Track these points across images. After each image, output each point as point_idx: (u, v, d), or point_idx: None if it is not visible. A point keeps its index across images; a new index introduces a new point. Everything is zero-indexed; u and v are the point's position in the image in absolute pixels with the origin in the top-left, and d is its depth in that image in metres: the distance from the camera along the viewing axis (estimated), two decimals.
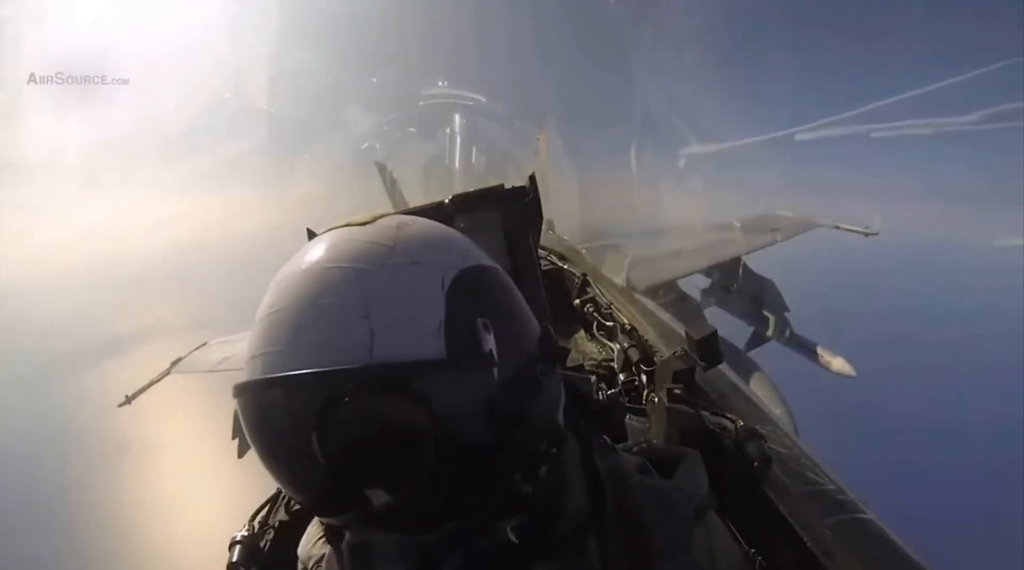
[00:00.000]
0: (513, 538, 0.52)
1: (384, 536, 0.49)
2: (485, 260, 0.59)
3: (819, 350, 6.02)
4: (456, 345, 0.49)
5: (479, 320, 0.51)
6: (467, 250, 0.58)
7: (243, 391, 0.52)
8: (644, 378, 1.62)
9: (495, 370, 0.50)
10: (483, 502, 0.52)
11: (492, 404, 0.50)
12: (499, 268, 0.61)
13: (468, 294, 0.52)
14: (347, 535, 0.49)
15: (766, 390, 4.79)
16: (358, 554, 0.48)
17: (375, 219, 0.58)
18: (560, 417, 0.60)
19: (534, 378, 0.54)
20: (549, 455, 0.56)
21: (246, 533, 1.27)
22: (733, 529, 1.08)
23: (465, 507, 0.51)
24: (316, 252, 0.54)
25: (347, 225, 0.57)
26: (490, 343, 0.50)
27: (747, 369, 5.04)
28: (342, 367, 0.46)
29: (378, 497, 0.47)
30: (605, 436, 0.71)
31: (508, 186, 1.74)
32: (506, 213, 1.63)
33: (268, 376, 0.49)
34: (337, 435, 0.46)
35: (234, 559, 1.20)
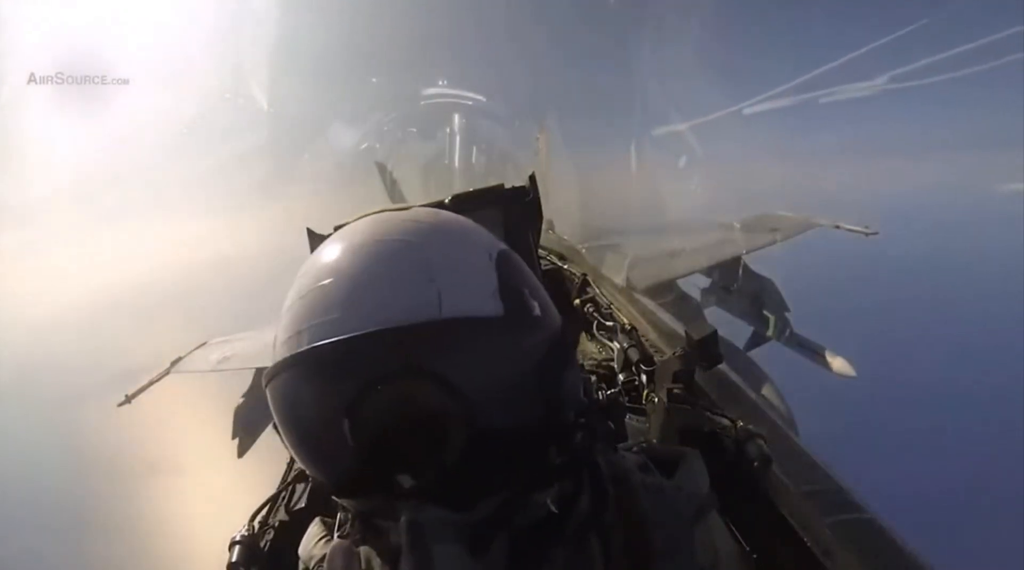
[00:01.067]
0: (553, 508, 0.53)
1: (435, 513, 0.49)
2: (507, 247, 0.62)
3: (819, 350, 6.02)
4: (512, 308, 0.52)
5: (525, 289, 0.55)
6: (494, 237, 0.61)
7: (288, 365, 0.50)
8: (644, 378, 1.62)
9: (541, 332, 0.54)
10: (524, 474, 0.53)
11: (537, 365, 0.52)
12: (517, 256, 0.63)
13: (512, 268, 0.56)
14: (403, 515, 0.48)
15: (766, 390, 4.79)
16: (417, 532, 0.48)
17: (408, 207, 0.60)
18: (581, 392, 0.63)
19: (567, 348, 0.58)
20: (579, 425, 0.57)
21: (246, 533, 1.27)
22: (733, 529, 1.08)
23: (506, 481, 0.52)
24: (359, 231, 0.55)
25: (383, 211, 0.59)
26: (537, 309, 0.55)
27: (747, 369, 5.04)
28: (412, 322, 0.47)
29: (410, 479, 0.48)
30: (608, 433, 0.71)
31: (508, 186, 1.74)
32: (506, 213, 1.64)
33: (330, 340, 0.47)
34: (385, 413, 0.47)
35: (234, 559, 1.20)
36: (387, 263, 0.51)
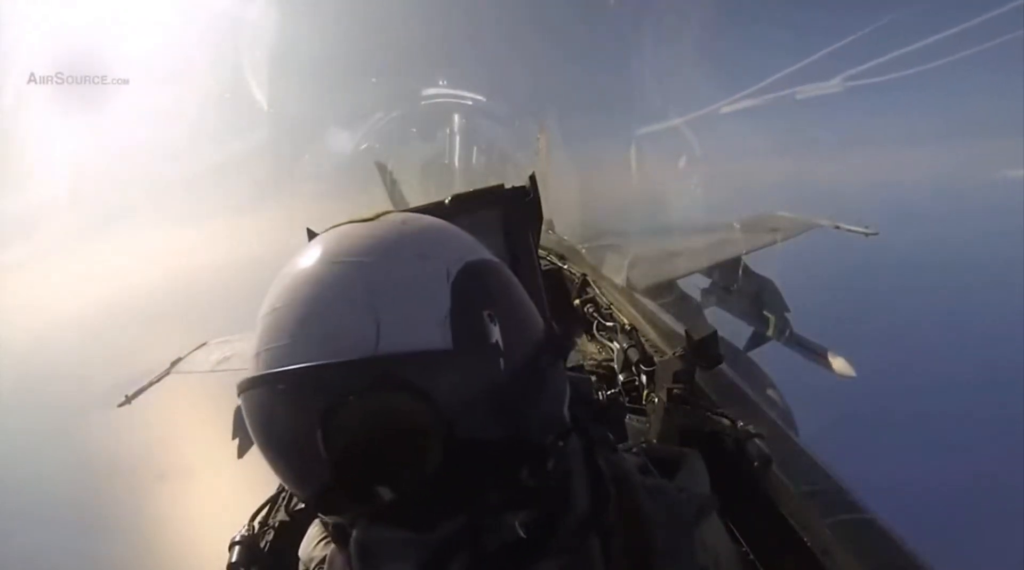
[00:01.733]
0: (521, 533, 0.51)
1: (391, 533, 0.49)
2: (488, 255, 0.59)
3: (819, 350, 6.02)
4: (462, 336, 0.48)
5: (485, 312, 0.51)
6: (471, 245, 0.58)
7: (247, 387, 0.51)
8: (644, 378, 1.62)
9: (501, 360, 0.50)
10: (490, 497, 0.51)
11: (499, 396, 0.50)
12: (502, 263, 0.61)
13: (473, 287, 0.52)
14: (354, 532, 0.48)
15: (766, 390, 4.79)
16: (366, 552, 0.48)
17: (379, 216, 0.58)
18: (565, 411, 0.60)
19: (539, 370, 0.54)
20: (555, 449, 0.56)
21: (246, 533, 1.27)
22: (733, 529, 1.08)
23: (472, 502, 0.51)
24: (319, 249, 0.54)
25: (351, 222, 0.57)
26: (496, 334, 0.50)
27: (747, 369, 5.04)
28: (346, 359, 0.46)
29: (383, 494, 0.47)
30: (608, 435, 0.71)
31: (508, 186, 1.74)
32: (506, 213, 1.63)
33: (272, 371, 0.48)
34: (341, 433, 0.46)
35: (234, 559, 1.20)
36: (334, 289, 0.50)
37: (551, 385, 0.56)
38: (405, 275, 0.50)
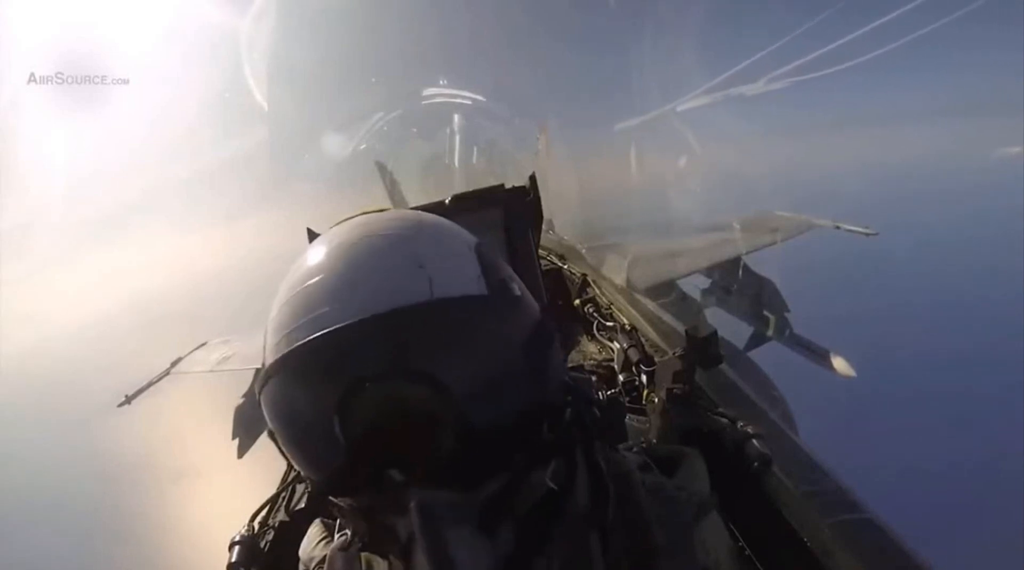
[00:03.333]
0: (552, 485, 0.54)
1: (444, 496, 0.49)
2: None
3: (819, 350, 6.01)
4: (495, 288, 0.55)
5: (505, 274, 0.58)
6: (470, 233, 0.64)
7: (279, 369, 0.51)
8: (644, 378, 1.62)
9: (526, 310, 0.57)
10: (519, 456, 0.54)
11: (523, 341, 0.55)
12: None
13: (490, 257, 0.59)
14: (413, 499, 0.48)
15: (766, 390, 4.78)
16: (428, 515, 0.48)
17: (386, 210, 0.62)
18: (565, 373, 0.65)
19: (549, 330, 0.60)
20: (567, 402, 0.60)
21: (246, 533, 1.27)
22: (733, 529, 1.08)
23: (506, 462, 0.53)
24: (345, 230, 0.57)
25: (364, 213, 0.61)
26: (518, 290, 0.58)
27: (747, 369, 5.03)
28: (414, 302, 0.49)
29: (395, 477, 0.49)
30: (608, 428, 0.72)
31: (508, 186, 1.74)
32: (507, 213, 1.63)
33: (326, 330, 0.48)
34: (359, 418, 0.47)
35: (234, 559, 1.20)
36: (377, 255, 0.53)
37: (557, 348, 0.61)
38: (440, 243, 0.57)
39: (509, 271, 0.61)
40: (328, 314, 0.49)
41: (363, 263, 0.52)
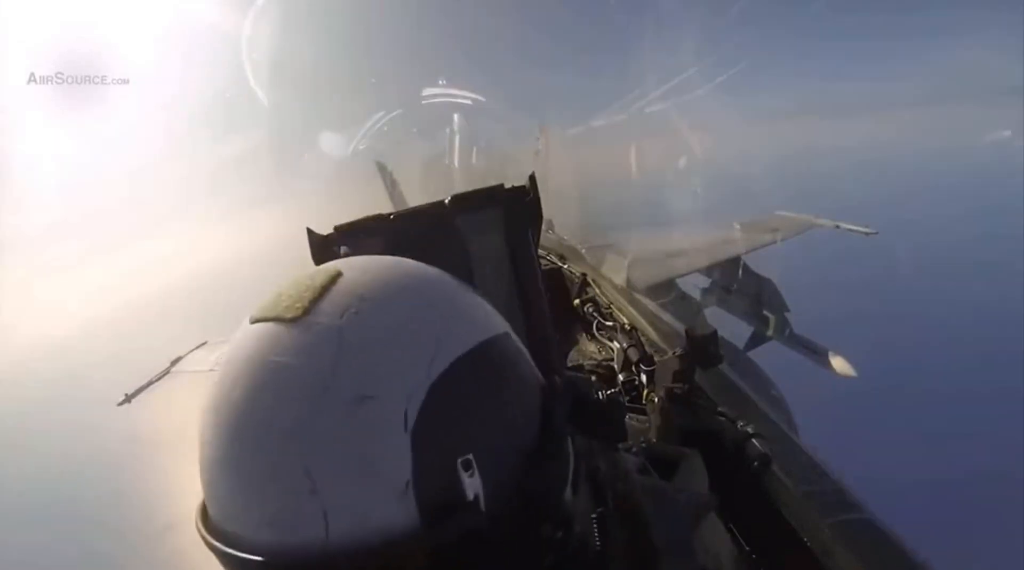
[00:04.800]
0: None
1: None
2: (474, 333, 0.47)
3: (819, 350, 6.02)
4: (432, 503, 0.40)
5: (459, 461, 0.41)
6: (444, 336, 0.45)
7: (206, 543, 0.44)
8: (644, 378, 1.62)
9: (483, 515, 0.41)
10: None
11: (484, 545, 0.42)
12: (495, 333, 0.50)
13: (442, 426, 0.41)
14: None
15: (766, 390, 4.78)
16: None
17: (312, 304, 0.45)
18: (568, 492, 0.52)
19: (535, 490, 0.46)
20: (554, 542, 0.49)
21: None
22: (733, 529, 1.08)
23: None
24: (239, 376, 0.44)
25: (276, 319, 0.45)
26: (476, 486, 0.41)
27: (747, 369, 5.03)
28: (293, 558, 0.39)
29: None
30: (608, 436, 0.71)
31: (508, 186, 1.74)
32: (506, 213, 1.63)
33: (227, 551, 0.41)
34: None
35: None
36: (263, 463, 0.40)
37: (552, 486, 0.49)
38: (346, 436, 0.39)
39: (485, 414, 0.44)
40: (229, 516, 0.42)
41: (249, 475, 0.41)
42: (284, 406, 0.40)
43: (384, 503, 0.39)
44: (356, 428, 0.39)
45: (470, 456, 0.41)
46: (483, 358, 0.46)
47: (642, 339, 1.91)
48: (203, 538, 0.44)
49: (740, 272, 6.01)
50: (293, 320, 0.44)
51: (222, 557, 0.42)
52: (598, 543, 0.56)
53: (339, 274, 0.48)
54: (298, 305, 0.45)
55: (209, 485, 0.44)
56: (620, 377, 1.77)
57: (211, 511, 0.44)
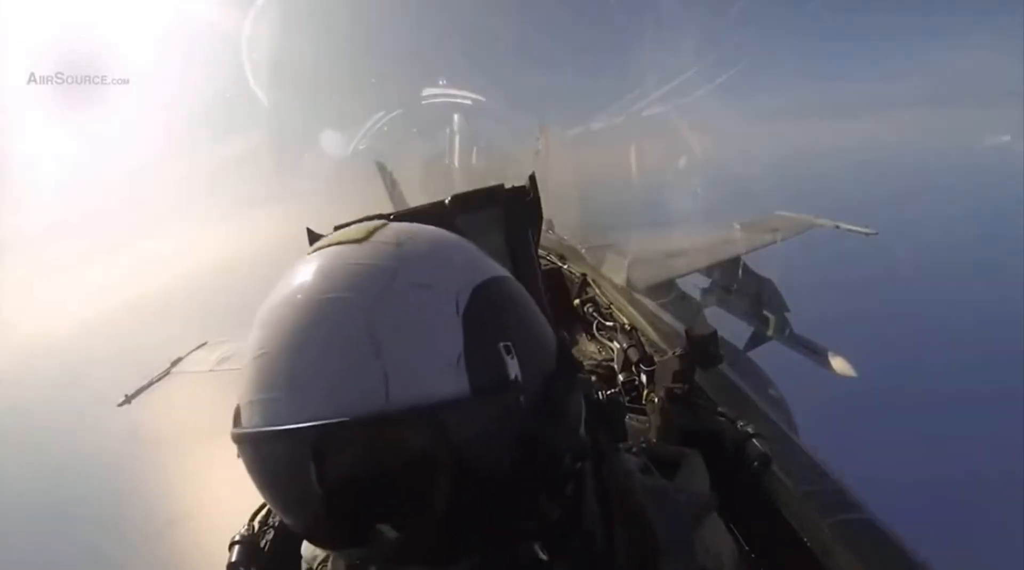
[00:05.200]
0: (543, 555, 0.50)
1: None
2: (497, 269, 0.55)
3: (819, 350, 6.02)
4: (480, 377, 0.44)
5: (501, 344, 0.46)
6: (477, 262, 0.53)
7: (241, 441, 0.48)
8: (644, 378, 1.62)
9: (521, 397, 0.46)
10: (508, 529, 0.49)
11: (519, 432, 0.46)
12: (509, 275, 0.56)
13: (486, 316, 0.47)
14: None
15: (766, 390, 4.78)
16: None
17: (370, 234, 0.51)
18: (582, 429, 0.57)
19: (558, 399, 0.51)
20: (573, 472, 0.53)
21: (246, 533, 1.27)
22: (733, 529, 1.08)
23: (488, 538, 0.48)
24: (307, 278, 0.48)
25: (340, 243, 0.51)
26: (514, 368, 0.46)
27: (747, 369, 5.04)
28: (354, 416, 0.41)
29: (387, 533, 0.44)
30: (608, 436, 0.71)
31: (508, 186, 1.74)
32: (507, 213, 1.64)
33: (269, 429, 0.44)
34: (340, 474, 0.42)
35: (234, 559, 1.20)
36: (330, 332, 0.44)
37: (569, 409, 0.53)
38: (409, 311, 0.45)
39: (520, 319, 0.51)
40: (282, 401, 0.44)
41: (310, 343, 0.44)
42: (354, 289, 0.46)
43: (439, 372, 0.43)
44: (418, 306, 0.45)
45: (510, 343, 0.47)
46: (508, 283, 0.54)
47: (642, 339, 1.91)
48: (244, 436, 0.47)
49: (740, 272, 6.01)
50: (357, 241, 0.51)
51: (271, 440, 0.44)
52: (602, 540, 0.56)
53: (385, 222, 0.55)
54: (359, 234, 0.51)
55: (259, 382, 0.46)
56: (620, 377, 1.77)
57: (255, 411, 0.46)
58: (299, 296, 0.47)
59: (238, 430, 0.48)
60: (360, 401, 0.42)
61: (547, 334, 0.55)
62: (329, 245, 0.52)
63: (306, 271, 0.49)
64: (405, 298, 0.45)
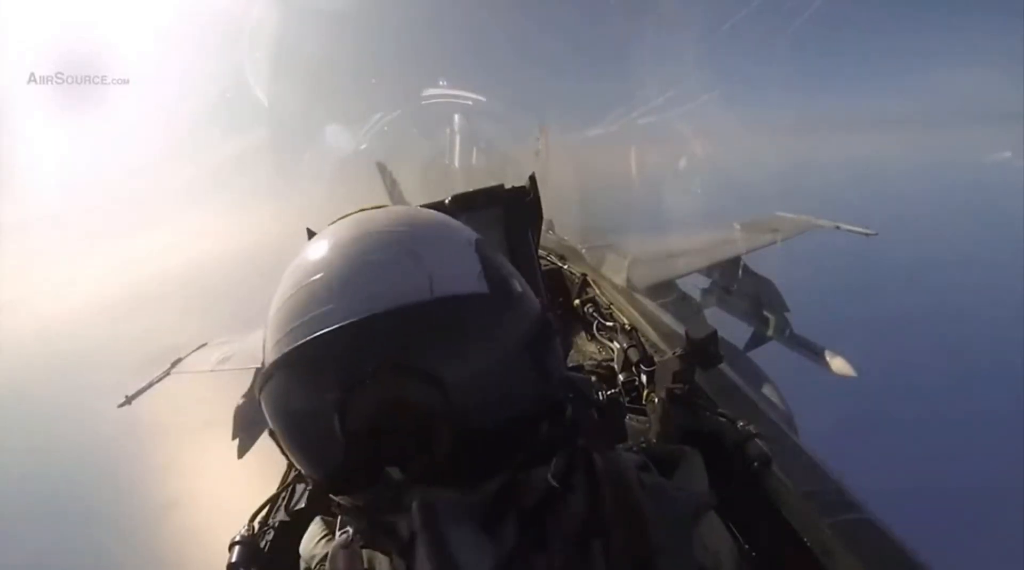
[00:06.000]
0: (554, 483, 0.55)
1: (445, 495, 0.50)
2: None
3: (819, 350, 6.02)
4: (496, 286, 0.54)
5: (504, 271, 0.58)
6: (469, 229, 0.64)
7: (282, 366, 0.51)
8: (644, 378, 1.62)
9: (526, 307, 0.57)
10: (518, 454, 0.54)
11: (528, 341, 0.55)
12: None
13: (490, 253, 0.59)
14: (416, 498, 0.49)
15: (766, 390, 4.79)
16: (427, 514, 0.49)
17: (379, 208, 0.62)
18: (564, 370, 0.64)
19: (549, 327, 0.60)
20: (568, 399, 0.60)
21: (246, 533, 1.26)
22: (733, 529, 1.08)
23: (506, 460, 0.53)
24: (341, 229, 0.57)
25: (362, 210, 0.61)
26: (518, 287, 0.58)
27: (747, 369, 5.04)
28: (414, 301, 0.49)
29: (393, 475, 0.49)
30: (607, 432, 0.72)
31: (508, 186, 1.74)
32: (507, 213, 1.64)
33: (325, 331, 0.48)
34: (360, 416, 0.47)
35: (234, 559, 1.20)
36: (377, 252, 0.53)
37: (557, 345, 0.61)
38: (440, 239, 0.57)
39: (509, 268, 0.61)
40: (329, 312, 0.49)
41: (363, 260, 0.52)
42: (393, 226, 0.56)
43: (469, 277, 0.54)
44: (445, 237, 0.58)
45: (514, 271, 0.60)
46: (495, 249, 0.63)
47: (642, 339, 1.91)
48: (286, 356, 0.50)
49: (740, 272, 6.01)
50: (379, 207, 0.61)
51: (321, 345, 0.49)
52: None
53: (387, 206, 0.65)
54: (375, 204, 0.63)
55: (308, 302, 0.51)
56: (620, 377, 1.77)
57: (299, 333, 0.50)
58: (342, 236, 0.56)
59: (275, 358, 0.52)
60: (409, 294, 0.49)
61: (532, 281, 0.66)
62: (353, 213, 0.61)
63: (340, 225, 0.58)
64: (433, 233, 0.58)
